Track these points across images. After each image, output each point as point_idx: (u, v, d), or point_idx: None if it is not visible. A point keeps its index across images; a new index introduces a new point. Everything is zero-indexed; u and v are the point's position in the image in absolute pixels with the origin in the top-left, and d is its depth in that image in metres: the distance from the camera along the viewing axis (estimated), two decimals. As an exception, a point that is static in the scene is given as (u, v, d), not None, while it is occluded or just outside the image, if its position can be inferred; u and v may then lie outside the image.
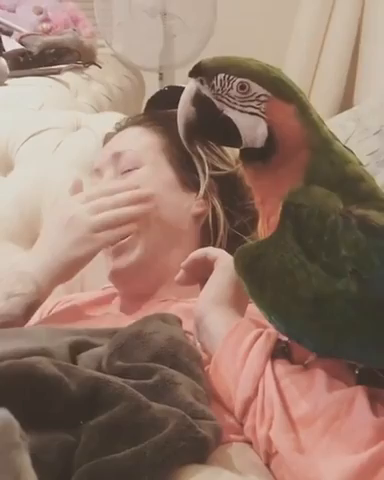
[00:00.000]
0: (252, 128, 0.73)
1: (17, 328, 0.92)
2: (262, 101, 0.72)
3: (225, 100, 0.73)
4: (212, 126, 0.75)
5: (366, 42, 3.05)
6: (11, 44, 2.47)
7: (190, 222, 1.09)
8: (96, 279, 1.26)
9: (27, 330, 0.90)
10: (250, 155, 0.75)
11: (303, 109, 0.73)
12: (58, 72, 2.34)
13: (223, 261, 0.87)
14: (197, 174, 1.09)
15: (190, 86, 0.74)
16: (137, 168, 1.08)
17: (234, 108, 0.73)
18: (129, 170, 1.08)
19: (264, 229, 0.77)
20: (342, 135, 1.21)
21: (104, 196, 1.04)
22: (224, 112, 0.73)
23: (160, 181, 1.08)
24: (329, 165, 0.73)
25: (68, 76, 2.38)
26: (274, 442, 0.72)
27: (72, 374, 0.70)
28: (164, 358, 0.77)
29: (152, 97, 1.25)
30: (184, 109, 0.74)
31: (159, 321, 0.84)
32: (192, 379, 0.76)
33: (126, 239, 1.05)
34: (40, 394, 0.68)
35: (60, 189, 1.34)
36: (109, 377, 0.72)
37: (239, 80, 0.73)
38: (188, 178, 1.09)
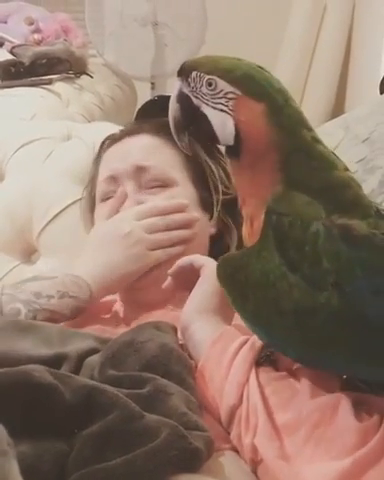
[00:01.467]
0: (222, 125, 0.73)
1: (30, 321, 0.92)
2: (230, 98, 0.72)
3: (200, 97, 0.74)
4: (194, 122, 0.76)
5: (357, 49, 3.06)
6: (2, 54, 2.48)
7: (207, 242, 1.10)
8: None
9: (38, 325, 0.89)
10: (228, 152, 0.76)
11: (275, 109, 0.71)
12: (49, 82, 2.34)
13: (208, 269, 0.87)
14: (210, 193, 1.10)
15: (176, 84, 0.77)
16: (166, 186, 1.08)
17: (207, 105, 0.74)
18: (158, 186, 1.08)
19: (248, 233, 0.76)
20: (331, 142, 1.21)
21: (154, 214, 1.05)
22: (201, 109, 0.75)
23: (189, 201, 1.09)
24: (309, 171, 0.72)
25: (59, 86, 2.38)
26: (259, 450, 0.73)
27: (67, 382, 0.70)
28: (156, 367, 0.77)
29: (142, 106, 1.25)
30: (171, 106, 0.77)
31: (153, 329, 0.84)
32: (184, 389, 0.76)
33: None
34: (35, 402, 0.68)
35: (51, 199, 1.34)
36: (104, 386, 0.72)
37: (207, 77, 0.74)
38: (203, 197, 1.10)
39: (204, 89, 0.74)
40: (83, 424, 0.69)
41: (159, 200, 1.07)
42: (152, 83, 3.03)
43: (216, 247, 1.09)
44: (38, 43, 2.79)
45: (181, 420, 0.70)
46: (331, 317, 0.67)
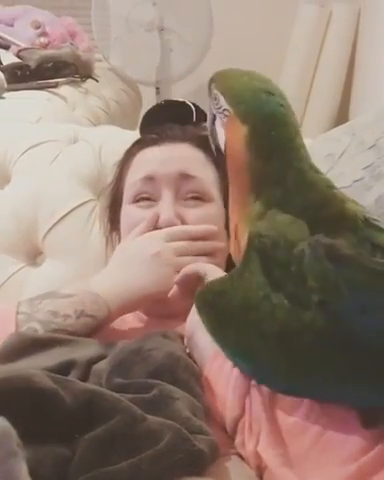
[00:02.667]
0: (220, 135, 0.78)
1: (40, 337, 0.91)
2: (226, 115, 0.76)
3: (214, 108, 0.79)
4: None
5: (362, 56, 3.07)
6: (9, 58, 2.49)
7: (224, 262, 1.08)
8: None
9: (53, 340, 0.89)
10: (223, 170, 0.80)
11: (255, 135, 0.73)
12: (56, 86, 2.35)
13: (212, 277, 0.87)
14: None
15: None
16: (204, 200, 1.08)
17: (216, 115, 0.78)
18: (195, 199, 1.07)
19: (234, 249, 0.77)
20: (337, 148, 1.22)
21: (185, 238, 1.03)
22: (215, 120, 0.79)
23: (220, 221, 1.07)
24: (284, 194, 0.72)
25: (65, 90, 2.39)
26: (262, 457, 0.73)
27: (67, 387, 0.70)
28: (163, 375, 0.77)
29: (149, 111, 1.26)
30: (208, 104, 0.82)
31: (160, 337, 0.85)
32: (191, 395, 0.76)
33: None
34: (36, 407, 0.68)
35: (57, 201, 1.34)
36: (104, 390, 0.72)
37: (214, 91, 0.79)
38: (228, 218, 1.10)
39: (214, 102, 0.79)
40: (84, 428, 0.69)
41: (194, 216, 1.06)
42: (157, 88, 3.05)
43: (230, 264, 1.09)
44: (44, 47, 2.80)
45: (185, 424, 0.71)
46: (316, 337, 0.66)
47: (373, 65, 2.81)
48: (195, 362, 0.84)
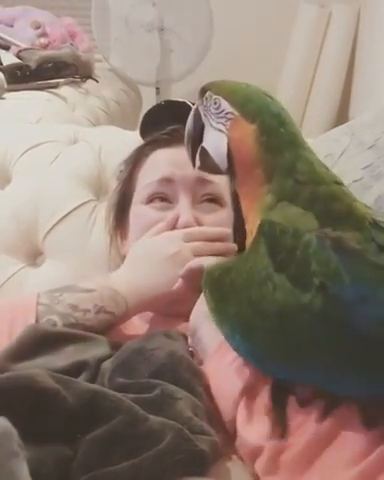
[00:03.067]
0: (217, 144, 0.80)
1: (56, 331, 0.91)
2: (228, 118, 0.79)
3: (208, 115, 0.81)
4: (200, 139, 0.83)
5: (361, 56, 3.07)
6: (9, 58, 2.49)
7: None
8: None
9: (66, 335, 0.89)
10: (228, 175, 0.81)
11: (264, 131, 0.76)
12: (56, 86, 2.35)
13: None
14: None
15: (197, 102, 0.83)
16: (219, 204, 1.10)
17: (211, 124, 0.81)
18: (211, 201, 1.09)
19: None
20: (337, 148, 1.22)
21: (202, 238, 1.04)
22: (205, 128, 0.81)
23: (230, 225, 1.10)
24: (295, 185, 0.75)
25: (65, 90, 2.39)
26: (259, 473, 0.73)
27: (69, 387, 0.71)
28: (165, 374, 0.78)
29: (149, 111, 1.26)
30: (188, 121, 0.85)
31: (162, 337, 0.86)
32: (192, 395, 0.76)
33: None
34: (38, 407, 0.68)
35: (57, 201, 1.34)
36: (106, 390, 0.73)
37: (214, 97, 0.80)
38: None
39: (212, 108, 0.80)
40: (86, 428, 0.69)
41: (210, 220, 1.08)
42: (157, 88, 3.05)
43: None
44: (44, 47, 2.81)
45: (187, 424, 0.71)
46: (313, 319, 0.67)
47: (373, 65, 2.81)
48: (198, 356, 0.85)
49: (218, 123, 0.80)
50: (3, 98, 2.16)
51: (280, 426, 0.72)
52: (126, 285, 0.99)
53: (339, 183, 0.77)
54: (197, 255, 1.02)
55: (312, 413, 0.72)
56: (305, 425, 0.71)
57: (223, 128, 0.79)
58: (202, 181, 1.08)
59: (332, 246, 0.68)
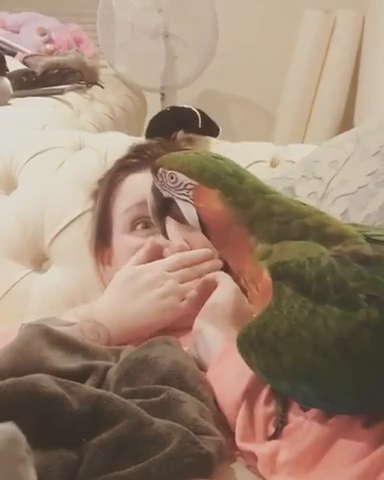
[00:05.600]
0: (188, 213, 0.81)
1: (58, 334, 0.90)
2: (189, 189, 0.81)
3: (167, 190, 0.84)
4: (168, 210, 0.85)
5: (366, 63, 3.08)
6: (15, 64, 2.50)
7: None
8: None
9: (67, 340, 0.89)
10: (203, 233, 0.82)
11: (228, 191, 0.78)
12: (61, 92, 2.36)
13: (224, 282, 0.91)
14: None
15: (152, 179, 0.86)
16: None
17: (174, 195, 0.83)
18: None
19: (255, 297, 0.78)
20: (341, 155, 1.22)
21: (186, 265, 1.03)
22: (173, 198, 0.83)
23: None
24: (279, 226, 0.76)
25: (71, 96, 2.40)
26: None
27: (74, 392, 0.71)
28: (171, 381, 0.78)
29: (154, 117, 1.27)
30: (148, 197, 0.88)
31: (163, 344, 0.86)
32: (199, 400, 0.77)
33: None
34: (42, 412, 0.68)
35: (63, 207, 1.35)
36: (110, 394, 0.73)
37: (169, 172, 0.83)
38: None
39: (169, 183, 0.83)
40: (91, 433, 0.70)
41: (199, 237, 1.06)
42: (162, 94, 3.06)
43: None
44: (50, 53, 2.82)
45: (193, 425, 0.71)
46: (375, 332, 0.67)
47: (377, 72, 2.81)
48: (200, 357, 0.87)
49: (180, 194, 0.82)
50: (9, 104, 2.17)
51: (279, 427, 0.73)
52: (110, 316, 0.99)
53: (321, 212, 0.79)
54: (185, 281, 1.01)
55: (312, 415, 0.72)
56: (303, 427, 0.72)
57: (187, 199, 0.81)
58: None
59: (353, 259, 0.69)
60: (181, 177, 0.81)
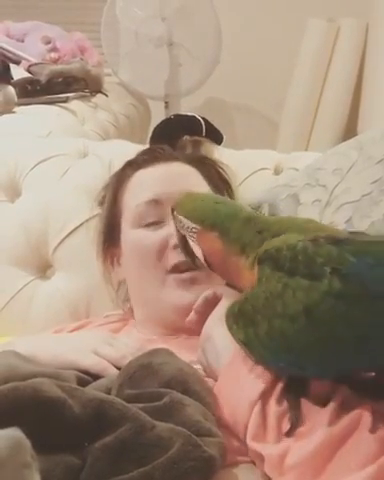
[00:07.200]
0: (196, 252, 0.94)
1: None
2: (194, 232, 0.92)
3: (180, 230, 0.96)
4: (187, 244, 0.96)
5: (370, 71, 3.08)
6: (19, 73, 2.51)
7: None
8: (101, 307, 1.28)
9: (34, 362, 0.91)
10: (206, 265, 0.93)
11: (225, 232, 0.89)
12: (66, 100, 2.37)
13: (229, 294, 0.92)
14: None
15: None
16: None
17: (186, 236, 0.94)
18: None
19: None
20: (345, 163, 1.22)
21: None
22: (187, 239, 0.95)
23: None
24: (260, 234, 0.85)
25: (75, 104, 2.41)
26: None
27: (76, 396, 0.71)
28: (175, 386, 0.78)
29: (158, 124, 1.27)
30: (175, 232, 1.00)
31: (166, 354, 0.86)
32: (202, 404, 0.77)
33: (202, 273, 1.06)
34: (44, 416, 0.69)
35: (67, 214, 1.35)
36: (112, 398, 0.73)
37: (179, 217, 0.95)
38: None
39: (179, 226, 0.96)
40: (93, 437, 0.70)
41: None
42: (166, 102, 3.07)
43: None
44: (54, 62, 2.83)
45: (195, 426, 0.72)
46: (337, 301, 0.72)
47: (381, 80, 2.82)
48: (208, 360, 0.87)
49: (190, 236, 0.94)
50: (13, 112, 2.18)
51: (294, 426, 0.74)
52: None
53: (312, 221, 0.88)
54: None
55: (321, 416, 0.73)
56: (312, 429, 0.72)
57: (194, 240, 0.93)
58: None
59: (325, 241, 0.76)
60: (186, 222, 0.93)
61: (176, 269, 1.07)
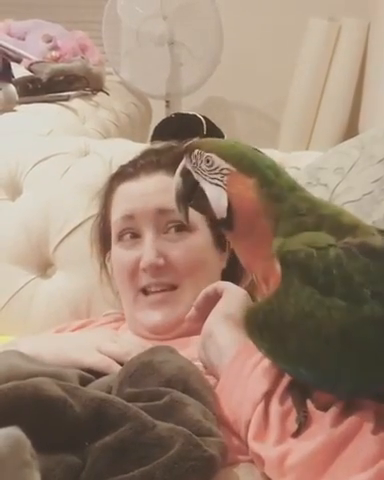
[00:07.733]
0: (217, 199, 0.80)
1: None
2: (225, 174, 0.80)
3: (200, 172, 0.82)
4: (193, 196, 0.83)
5: (371, 70, 3.08)
6: (20, 71, 2.51)
7: (218, 278, 1.11)
8: (102, 305, 1.28)
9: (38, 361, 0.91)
10: (222, 225, 0.81)
11: (264, 183, 0.78)
12: (67, 99, 2.37)
13: (230, 290, 0.92)
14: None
15: (182, 161, 0.84)
16: (188, 230, 1.08)
17: (205, 180, 0.81)
18: (179, 229, 1.08)
19: (263, 293, 0.78)
20: (346, 162, 1.22)
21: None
22: (200, 184, 0.81)
23: (208, 245, 1.10)
24: (299, 218, 0.77)
25: (76, 103, 2.41)
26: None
27: (76, 395, 0.71)
28: (176, 385, 0.78)
29: (159, 124, 1.27)
30: (175, 180, 0.84)
31: (167, 352, 0.86)
32: (202, 404, 0.77)
33: (172, 293, 1.07)
34: (45, 415, 0.68)
35: (68, 213, 1.35)
36: (113, 397, 0.73)
37: (206, 155, 0.81)
38: (217, 236, 1.10)
39: (203, 165, 0.81)
40: (94, 436, 0.70)
41: (178, 251, 1.07)
42: (167, 101, 3.07)
43: (226, 280, 1.08)
44: (56, 60, 2.83)
45: (195, 426, 0.71)
46: (378, 327, 0.69)
47: (382, 79, 2.82)
48: (208, 359, 0.87)
49: (213, 179, 0.80)
50: (14, 110, 2.18)
51: (301, 426, 0.74)
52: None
53: (342, 213, 0.80)
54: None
55: (323, 419, 0.73)
56: (312, 431, 0.72)
57: (221, 183, 0.80)
58: (163, 211, 1.07)
59: (360, 252, 0.71)
60: (218, 161, 0.80)
61: (144, 291, 1.08)
